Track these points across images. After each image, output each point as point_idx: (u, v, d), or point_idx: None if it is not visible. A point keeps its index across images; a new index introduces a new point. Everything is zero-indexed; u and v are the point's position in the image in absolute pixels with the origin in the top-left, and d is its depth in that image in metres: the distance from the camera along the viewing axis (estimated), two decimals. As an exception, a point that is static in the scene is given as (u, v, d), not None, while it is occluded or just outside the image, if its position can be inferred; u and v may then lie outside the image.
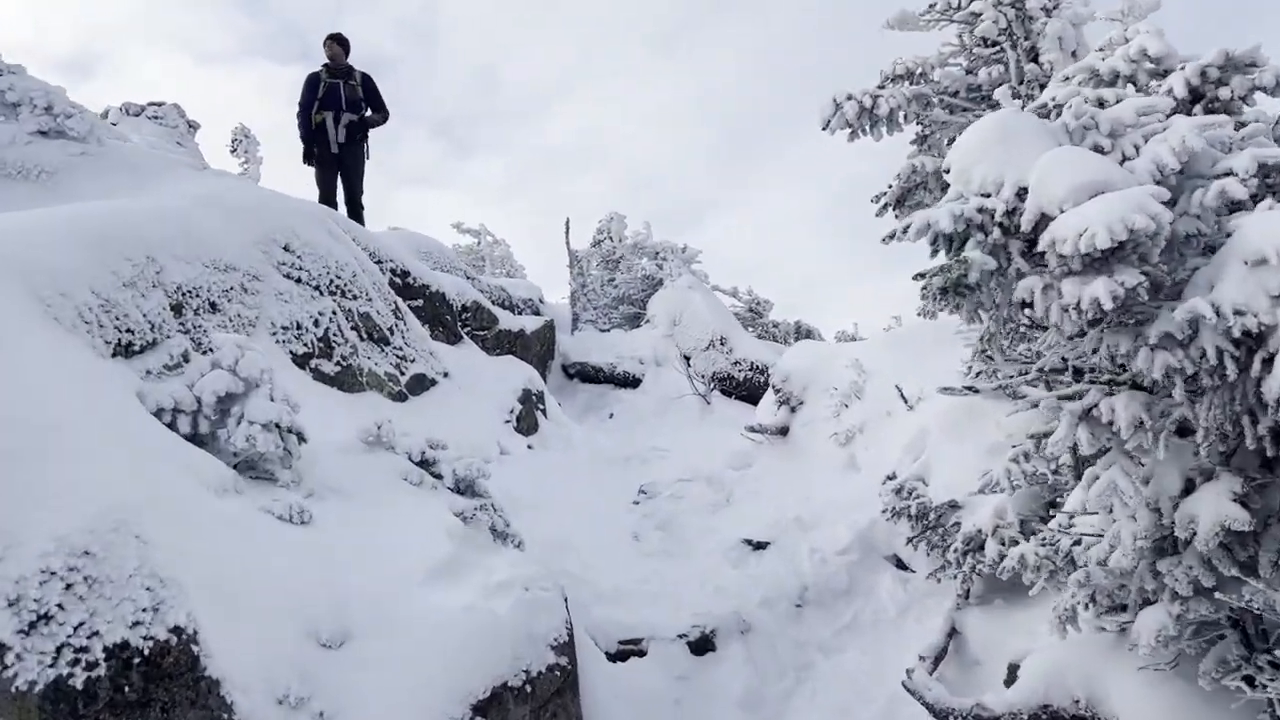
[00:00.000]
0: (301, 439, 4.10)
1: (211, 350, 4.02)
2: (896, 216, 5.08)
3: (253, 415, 3.84)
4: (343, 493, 4.09)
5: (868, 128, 4.58)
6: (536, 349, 11.42)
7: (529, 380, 8.63)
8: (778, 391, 7.79)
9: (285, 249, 5.50)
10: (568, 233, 13.36)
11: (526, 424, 8.06)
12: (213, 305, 4.76)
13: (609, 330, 13.13)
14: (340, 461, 4.34)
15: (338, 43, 11.28)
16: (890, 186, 5.00)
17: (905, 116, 4.58)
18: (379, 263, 7.96)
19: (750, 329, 21.86)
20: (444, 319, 8.83)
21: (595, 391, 11.50)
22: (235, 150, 20.55)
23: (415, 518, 4.12)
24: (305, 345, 5.37)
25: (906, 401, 6.55)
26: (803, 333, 23.03)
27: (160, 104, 13.28)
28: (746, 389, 10.67)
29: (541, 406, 8.73)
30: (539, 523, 6.12)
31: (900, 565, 5.77)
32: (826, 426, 7.17)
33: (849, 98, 4.55)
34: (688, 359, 11.29)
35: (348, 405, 5.50)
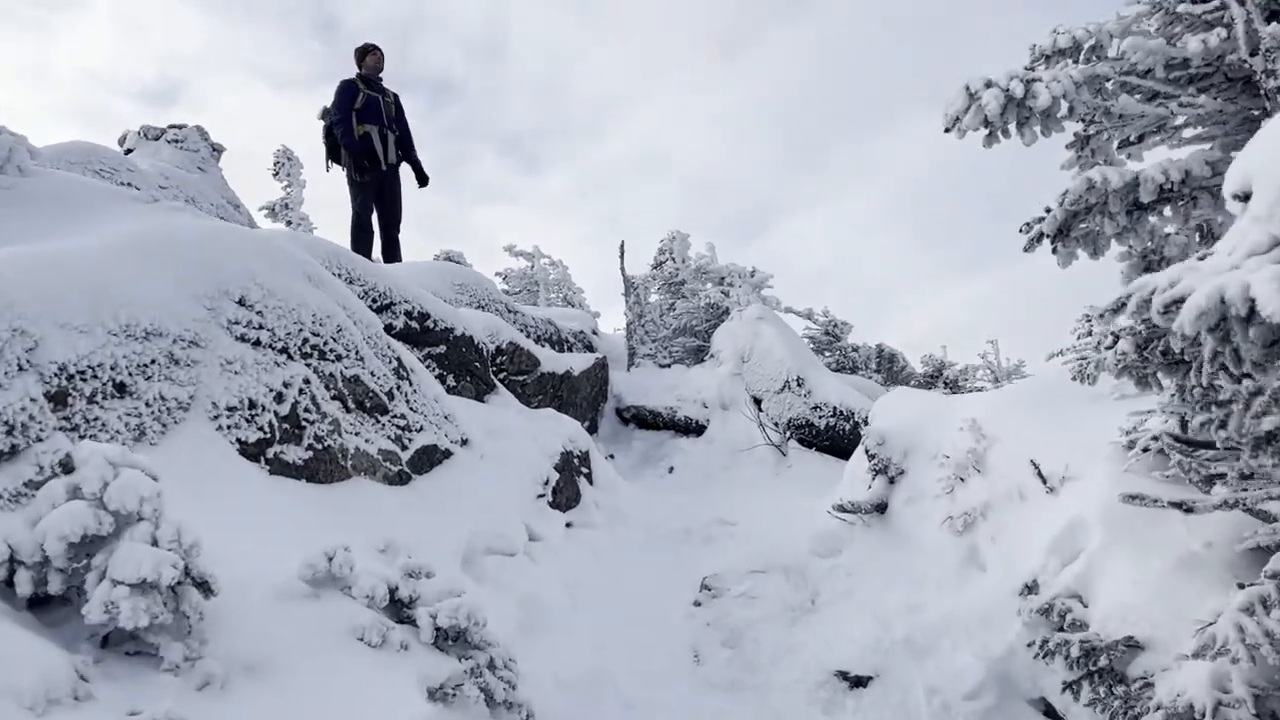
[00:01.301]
0: (207, 591, 2.90)
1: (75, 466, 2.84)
2: (1055, 250, 3.68)
3: (119, 571, 2.65)
4: (262, 670, 2.87)
5: (1014, 126, 3.25)
6: (586, 391, 10.20)
7: (571, 439, 7.39)
8: (872, 456, 6.40)
9: (240, 302, 4.34)
10: (622, 257, 12.14)
11: (566, 495, 6.81)
12: (120, 387, 3.60)
13: (669, 366, 11.86)
14: (271, 614, 3.12)
15: (379, 55, 10.37)
16: (1049, 212, 3.61)
17: (1072, 109, 3.22)
18: (387, 306, 6.81)
19: (826, 355, 20.36)
20: (472, 367, 7.66)
21: (653, 440, 10.23)
22: (278, 174, 19.92)
23: (367, 708, 2.88)
24: (261, 428, 4.19)
25: (1045, 481, 5.12)
26: (885, 357, 21.41)
27: (181, 126, 12.51)
28: (829, 439, 9.27)
29: (586, 469, 7.47)
30: (570, 643, 4.85)
31: (1052, 716, 4.34)
32: (937, 507, 5.75)
33: (988, 85, 3.22)
34: (758, 402, 9.93)
35: (319, 504, 4.31)
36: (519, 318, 10.67)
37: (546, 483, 6.50)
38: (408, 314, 7.00)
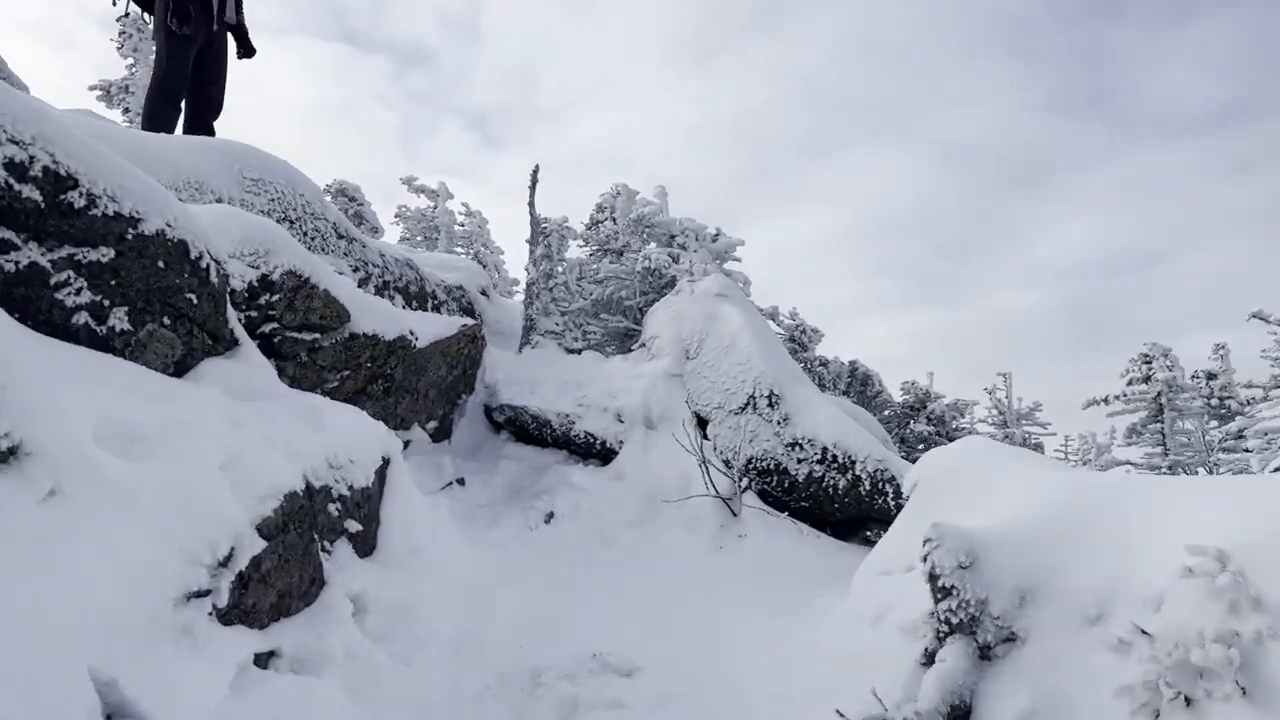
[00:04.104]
0: None
1: None
2: None
3: None
4: None
5: None
6: (438, 373, 6.69)
7: (340, 462, 3.90)
8: (942, 592, 3.00)
9: None
10: (533, 188, 8.63)
11: (279, 586, 3.31)
12: None
13: (579, 350, 8.39)
14: None
15: None
16: None
17: None
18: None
19: (789, 365, 17.12)
20: (180, 300, 4.09)
21: (534, 462, 6.75)
22: (122, 47, 15.93)
23: None
24: None
25: None
26: (858, 378, 18.19)
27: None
28: (810, 497, 5.91)
29: (362, 525, 3.98)
30: None
31: None
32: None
33: None
34: (703, 423, 6.54)
35: None
36: (353, 247, 7.10)
37: (224, 563, 2.97)
38: (13, 168, 3.35)
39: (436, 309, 8.11)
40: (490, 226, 18.79)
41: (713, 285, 7.09)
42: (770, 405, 6.11)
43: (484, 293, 9.40)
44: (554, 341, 8.46)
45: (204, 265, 4.27)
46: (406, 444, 6.56)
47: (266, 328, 5.08)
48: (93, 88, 15.43)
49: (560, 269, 8.96)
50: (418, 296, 7.83)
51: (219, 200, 6.02)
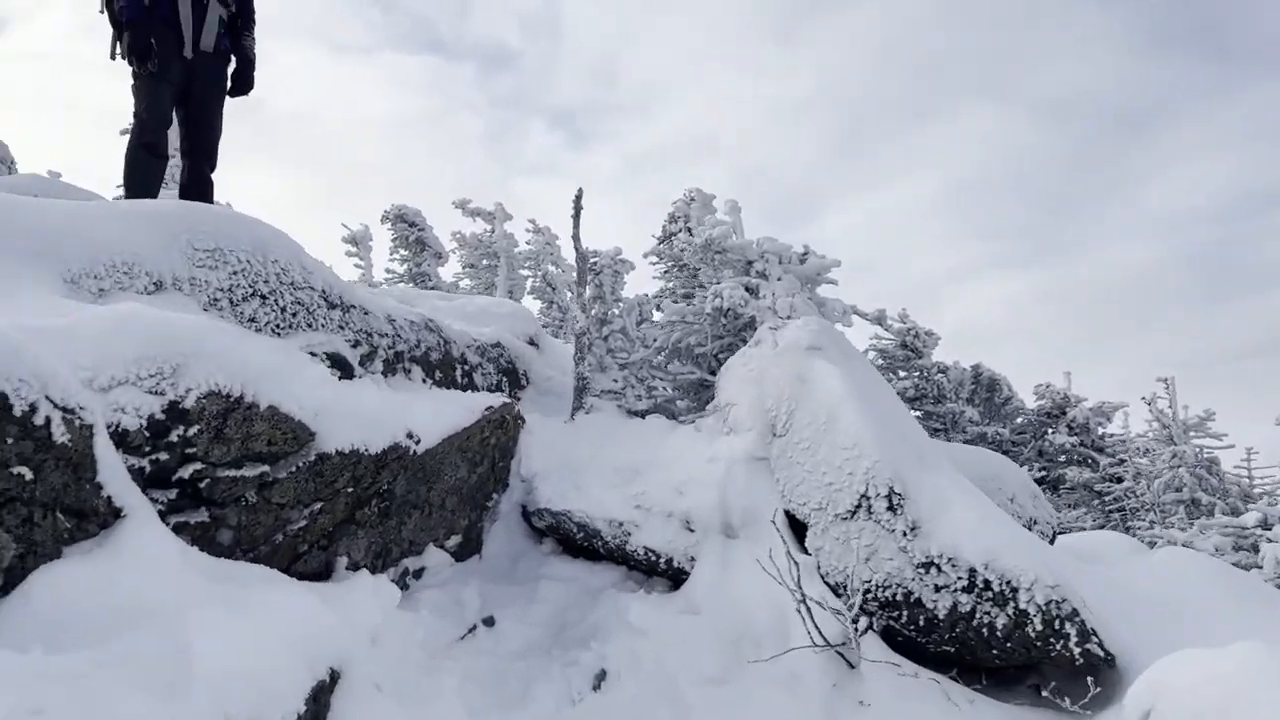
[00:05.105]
0: None
1: None
2: None
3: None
4: None
5: None
6: (457, 476, 5.31)
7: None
8: None
9: None
10: (577, 215, 7.17)
11: None
12: None
13: (643, 413, 6.90)
14: None
15: None
16: None
17: None
18: None
19: (902, 377, 15.18)
20: (1, 481, 2.79)
21: (582, 584, 5.29)
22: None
23: None
24: None
25: None
26: (982, 384, 16.18)
27: None
28: (954, 640, 4.29)
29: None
30: None
31: None
32: None
33: None
34: (800, 530, 4.97)
35: None
36: (350, 317, 5.76)
37: None
38: None
39: (468, 376, 6.74)
40: (560, 242, 17.50)
41: (801, 335, 5.49)
42: (891, 508, 4.50)
43: (532, 342, 8.00)
44: (613, 402, 7.00)
45: (39, 420, 2.92)
46: (419, 572, 5.19)
47: (186, 471, 3.73)
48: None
49: (616, 311, 7.48)
50: (441, 365, 6.47)
51: (157, 285, 4.73)
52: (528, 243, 17.11)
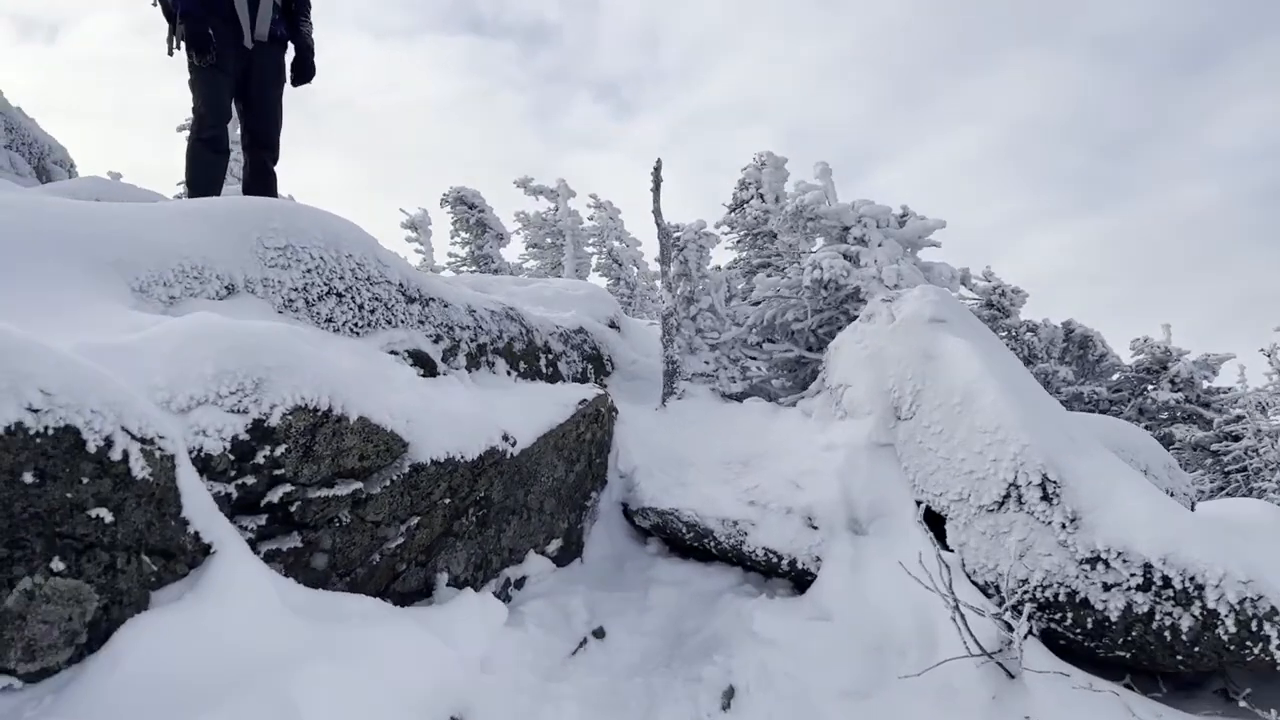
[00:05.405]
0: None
1: None
2: None
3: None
4: None
5: None
6: (555, 477, 4.97)
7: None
8: None
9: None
10: (657, 189, 6.74)
11: None
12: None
13: (739, 396, 6.48)
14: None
15: None
16: None
17: None
18: None
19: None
20: (79, 526, 2.49)
21: (699, 588, 4.90)
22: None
23: None
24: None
25: None
26: (1074, 341, 15.42)
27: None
28: (1131, 645, 3.82)
29: None
30: None
31: None
32: None
33: None
34: (938, 520, 4.53)
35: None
36: (430, 310, 5.44)
37: None
38: None
39: (552, 365, 6.38)
40: (624, 216, 17.08)
41: (922, 307, 5.01)
42: (1045, 498, 4.03)
43: (613, 324, 7.61)
44: (705, 385, 6.59)
45: (117, 455, 2.61)
46: (520, 581, 4.85)
47: (275, 494, 3.41)
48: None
49: (702, 287, 7.04)
50: (525, 355, 6.12)
51: (229, 288, 4.43)
52: (590, 218, 16.72)
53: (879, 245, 6.45)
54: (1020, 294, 14.28)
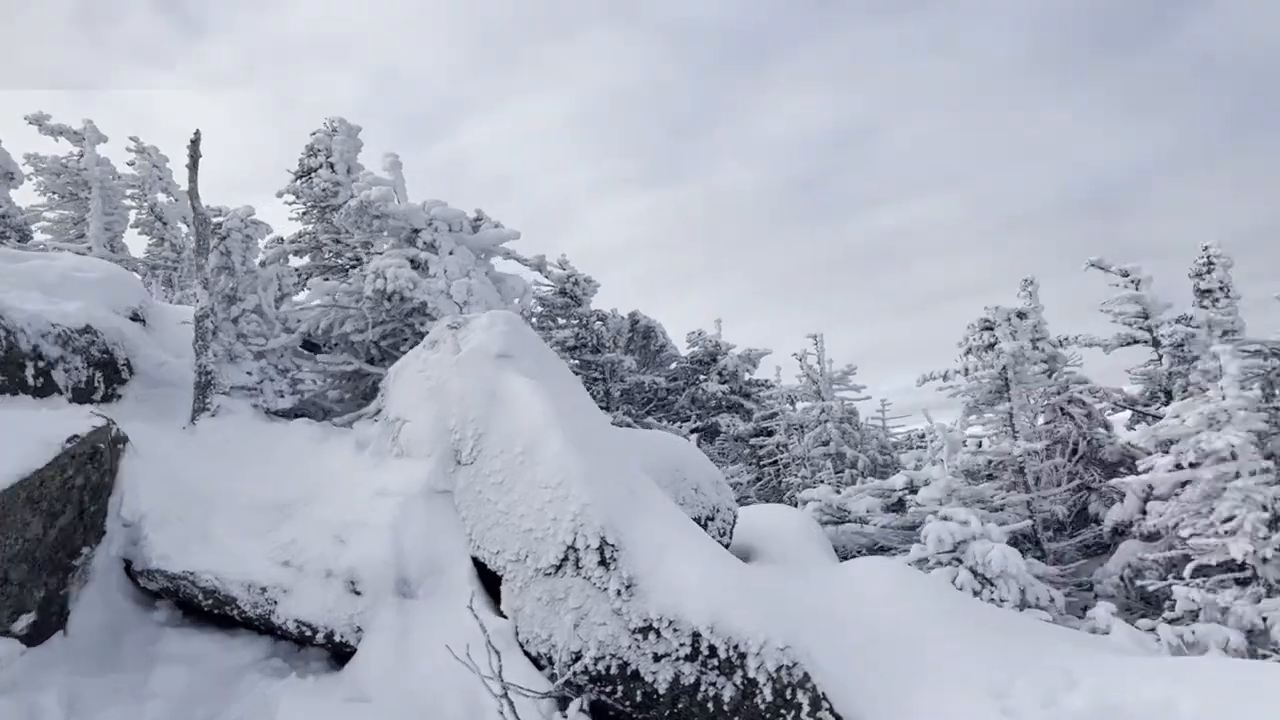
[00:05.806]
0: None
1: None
2: None
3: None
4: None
5: None
6: (26, 539, 3.91)
7: None
8: None
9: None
10: (194, 168, 5.71)
11: None
12: None
13: (288, 413, 5.73)
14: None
15: None
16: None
17: None
18: None
19: (562, 325, 14.73)
20: None
21: (216, 666, 4.15)
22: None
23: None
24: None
25: None
26: (639, 332, 16.18)
27: None
28: (677, 716, 3.76)
29: None
30: None
31: None
32: None
33: None
34: (492, 582, 4.21)
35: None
36: None
37: None
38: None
39: (43, 376, 5.17)
40: (170, 165, 14.96)
41: (490, 339, 4.64)
42: (603, 562, 3.87)
43: (137, 316, 6.43)
44: (247, 400, 5.76)
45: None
46: (-30, 677, 3.78)
47: None
48: None
49: (248, 284, 6.12)
50: (2, 365, 4.87)
51: None
52: (130, 164, 14.44)
53: (450, 253, 6.02)
54: (592, 283, 14.70)
